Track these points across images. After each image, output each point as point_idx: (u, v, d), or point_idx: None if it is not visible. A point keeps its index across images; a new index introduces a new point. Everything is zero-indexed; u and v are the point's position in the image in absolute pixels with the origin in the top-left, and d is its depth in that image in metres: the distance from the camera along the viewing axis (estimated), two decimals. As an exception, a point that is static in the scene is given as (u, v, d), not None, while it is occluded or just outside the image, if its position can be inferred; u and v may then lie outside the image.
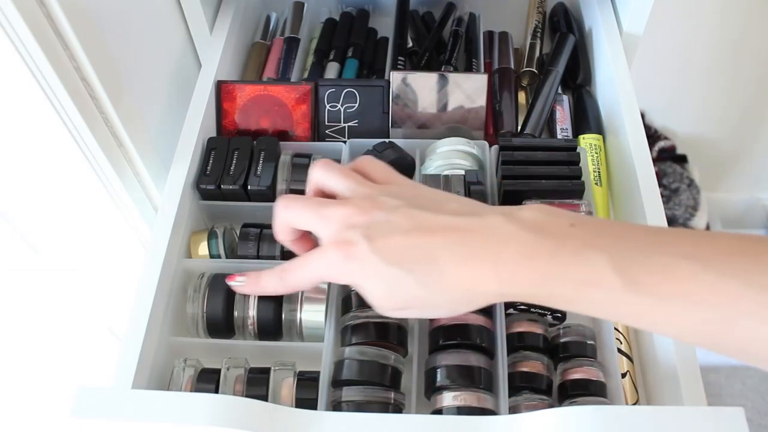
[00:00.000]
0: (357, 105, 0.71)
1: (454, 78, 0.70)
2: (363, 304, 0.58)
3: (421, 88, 0.70)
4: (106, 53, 0.57)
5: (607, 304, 0.37)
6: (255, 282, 0.52)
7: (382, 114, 0.71)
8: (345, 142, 0.70)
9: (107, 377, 0.56)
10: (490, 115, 0.76)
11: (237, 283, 0.54)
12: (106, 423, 0.46)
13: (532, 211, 0.41)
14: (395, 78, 0.69)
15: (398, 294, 0.41)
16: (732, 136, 1.57)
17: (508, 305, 0.60)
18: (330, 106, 0.71)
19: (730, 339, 0.35)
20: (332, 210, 0.44)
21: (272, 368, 0.56)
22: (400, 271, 0.40)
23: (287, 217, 0.48)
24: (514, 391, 0.56)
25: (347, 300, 0.59)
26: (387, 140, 0.67)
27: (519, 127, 0.75)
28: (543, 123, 0.74)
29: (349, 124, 0.72)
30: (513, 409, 0.54)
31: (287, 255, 0.63)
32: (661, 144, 1.53)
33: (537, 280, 0.38)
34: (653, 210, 0.61)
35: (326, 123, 0.72)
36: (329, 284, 0.60)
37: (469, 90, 0.70)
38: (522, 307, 0.60)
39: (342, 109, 0.72)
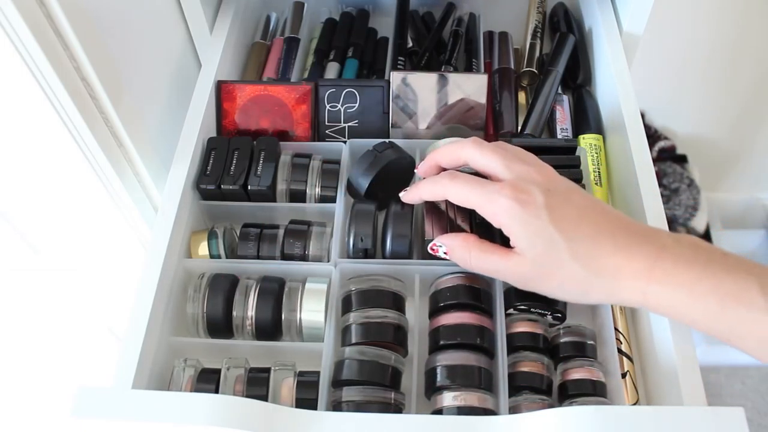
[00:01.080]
0: (357, 105, 0.71)
1: (454, 78, 0.70)
2: (363, 304, 0.58)
3: (421, 88, 0.70)
4: (106, 53, 0.57)
5: (748, 321, 0.40)
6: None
7: (382, 114, 0.71)
8: (345, 142, 0.70)
9: (107, 377, 0.56)
10: (490, 115, 0.76)
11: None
12: (106, 423, 0.46)
13: (688, 236, 0.44)
14: (395, 78, 0.69)
15: (546, 256, 0.44)
16: (732, 136, 1.57)
17: (508, 305, 0.60)
18: (330, 106, 0.71)
19: None
20: (499, 188, 0.47)
21: (272, 368, 0.56)
22: (561, 235, 0.43)
23: (452, 192, 0.50)
24: (514, 391, 0.56)
25: (347, 300, 0.59)
26: (387, 140, 0.67)
27: (519, 127, 0.75)
28: (543, 123, 0.74)
29: (349, 124, 0.72)
30: (513, 409, 0.54)
31: (287, 255, 0.63)
32: (661, 144, 1.53)
33: (687, 286, 0.41)
34: (653, 210, 0.61)
35: (326, 123, 0.72)
36: (329, 284, 0.60)
37: (469, 90, 0.70)
38: (522, 307, 0.60)
39: (342, 109, 0.72)
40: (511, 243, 0.47)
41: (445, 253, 0.55)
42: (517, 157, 0.49)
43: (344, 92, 0.71)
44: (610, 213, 0.45)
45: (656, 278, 0.42)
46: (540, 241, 0.44)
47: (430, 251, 0.56)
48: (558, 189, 0.46)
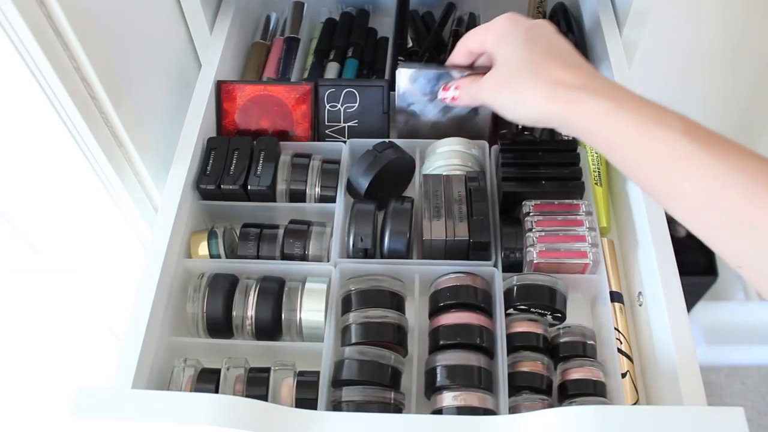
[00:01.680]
0: (357, 105, 0.71)
1: (458, 77, 0.70)
2: (363, 303, 0.58)
3: (424, 85, 0.70)
4: (106, 53, 0.57)
5: (664, 140, 0.43)
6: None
7: (382, 114, 0.71)
8: (345, 142, 0.70)
9: (107, 377, 0.56)
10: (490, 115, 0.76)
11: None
12: (106, 423, 0.46)
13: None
14: (402, 74, 0.68)
15: (513, 67, 0.52)
16: (732, 136, 1.56)
17: (508, 305, 0.60)
18: (330, 106, 0.71)
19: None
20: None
21: (272, 368, 0.56)
22: (528, 53, 0.51)
23: (462, 43, 0.59)
24: (514, 391, 0.56)
25: (347, 300, 0.59)
26: (387, 140, 0.67)
27: (520, 127, 0.75)
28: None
29: (349, 124, 0.72)
30: (513, 409, 0.54)
31: (287, 255, 0.63)
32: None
33: (616, 100, 0.46)
34: (653, 209, 0.61)
35: (326, 123, 0.72)
36: (329, 284, 0.60)
37: None
38: (522, 306, 0.60)
39: (342, 109, 0.72)
40: (495, 63, 0.54)
41: (456, 89, 0.60)
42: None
43: (344, 92, 0.71)
44: (573, 52, 0.52)
45: (591, 88, 0.46)
46: (512, 53, 0.52)
47: (441, 93, 0.63)
48: (541, 25, 0.53)
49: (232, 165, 0.66)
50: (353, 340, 0.56)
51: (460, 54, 0.60)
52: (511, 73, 0.52)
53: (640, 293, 0.62)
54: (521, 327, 0.59)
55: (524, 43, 0.51)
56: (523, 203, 0.64)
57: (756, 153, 0.40)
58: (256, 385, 0.55)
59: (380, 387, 0.53)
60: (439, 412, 0.54)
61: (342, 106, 0.71)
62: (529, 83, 0.49)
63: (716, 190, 0.39)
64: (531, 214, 0.63)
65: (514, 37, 0.52)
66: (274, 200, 0.67)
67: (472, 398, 0.53)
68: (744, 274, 0.40)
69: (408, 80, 0.66)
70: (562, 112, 0.47)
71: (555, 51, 0.51)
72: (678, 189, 0.42)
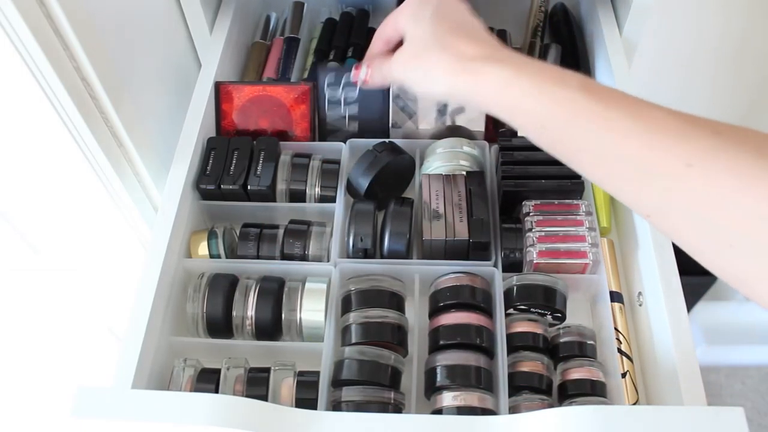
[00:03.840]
0: (358, 91, 0.71)
1: None
2: (363, 303, 0.58)
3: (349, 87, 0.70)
4: (106, 53, 0.57)
5: (562, 99, 0.43)
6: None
7: (383, 99, 0.70)
8: (345, 142, 0.70)
9: (107, 377, 0.56)
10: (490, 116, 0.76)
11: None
12: (106, 423, 0.46)
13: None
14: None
15: (421, 41, 0.52)
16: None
17: (508, 305, 0.60)
18: (329, 91, 0.71)
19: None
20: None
21: (272, 368, 0.56)
22: (437, 28, 0.51)
23: (377, 33, 0.58)
24: (514, 391, 0.56)
25: (347, 300, 0.59)
26: (387, 140, 0.67)
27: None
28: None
29: (350, 109, 0.70)
30: (513, 409, 0.54)
31: (287, 255, 0.63)
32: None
33: (516, 66, 0.46)
34: (653, 210, 0.61)
35: (326, 110, 0.71)
36: (329, 284, 0.60)
37: None
38: (522, 306, 0.60)
39: (342, 96, 0.71)
40: (405, 40, 0.54)
41: (367, 67, 0.59)
42: None
43: (345, 76, 0.71)
44: (481, 27, 0.52)
45: (495, 58, 0.47)
46: (420, 29, 0.52)
47: (353, 74, 0.60)
48: (450, 2, 0.53)
49: (232, 165, 0.66)
50: (353, 340, 0.56)
51: (377, 45, 0.59)
52: (419, 48, 0.52)
53: (640, 293, 0.62)
54: (521, 327, 0.59)
55: (432, 19, 0.52)
56: (523, 203, 0.64)
57: (653, 103, 0.41)
58: (256, 385, 0.55)
59: (380, 387, 0.53)
60: (439, 412, 0.54)
61: (342, 90, 0.70)
62: (435, 57, 0.50)
63: (615, 141, 0.40)
64: (531, 214, 0.63)
65: (423, 14, 0.52)
66: (274, 200, 0.67)
67: (472, 398, 0.53)
68: (653, 222, 0.40)
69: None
70: (468, 85, 0.48)
71: (463, 26, 0.51)
72: (579, 144, 0.43)
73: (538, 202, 0.63)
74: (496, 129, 0.76)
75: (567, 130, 0.43)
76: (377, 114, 0.71)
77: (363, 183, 0.64)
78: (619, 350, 0.59)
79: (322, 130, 0.73)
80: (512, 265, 0.63)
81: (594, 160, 0.42)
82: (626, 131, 0.40)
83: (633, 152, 0.39)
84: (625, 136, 0.40)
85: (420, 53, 0.52)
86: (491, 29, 0.85)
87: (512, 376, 0.56)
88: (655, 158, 0.38)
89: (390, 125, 0.72)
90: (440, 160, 0.67)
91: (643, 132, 0.39)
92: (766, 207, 0.33)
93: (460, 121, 0.71)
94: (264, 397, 0.55)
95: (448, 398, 0.53)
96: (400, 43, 0.55)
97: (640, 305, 0.61)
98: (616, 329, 0.61)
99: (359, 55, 0.82)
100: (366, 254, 0.62)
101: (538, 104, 0.44)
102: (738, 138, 0.37)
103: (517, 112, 0.46)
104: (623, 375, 0.59)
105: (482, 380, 0.54)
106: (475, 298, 0.58)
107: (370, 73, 0.59)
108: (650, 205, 0.40)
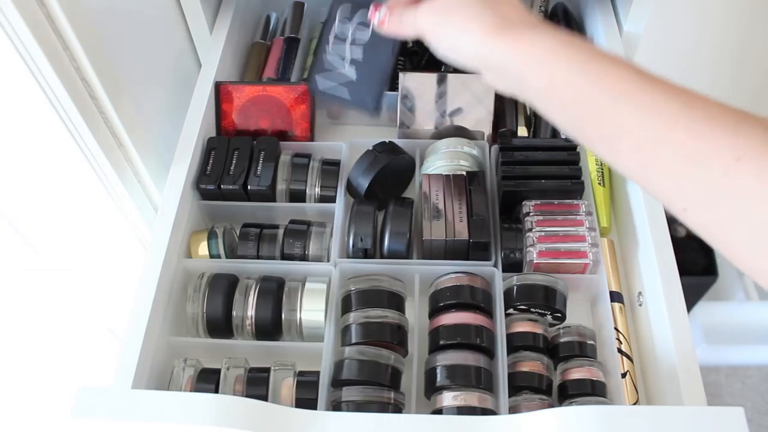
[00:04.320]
0: (369, 34, 0.62)
1: (462, 78, 0.70)
2: (363, 303, 0.58)
3: (428, 88, 0.69)
4: (106, 53, 0.57)
5: (610, 73, 0.41)
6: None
7: (392, 49, 0.62)
8: (344, 143, 0.70)
9: (107, 377, 0.56)
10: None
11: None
12: (106, 423, 0.46)
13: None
14: (405, 79, 0.67)
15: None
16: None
17: (508, 305, 0.60)
18: (340, 25, 0.64)
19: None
20: None
21: (272, 368, 0.56)
22: None
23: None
24: (514, 391, 0.56)
25: (347, 300, 0.59)
26: (387, 140, 0.67)
27: (530, 133, 0.74)
28: (552, 126, 0.74)
29: (353, 54, 0.65)
30: (513, 409, 0.54)
31: (287, 255, 0.63)
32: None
33: (561, 39, 0.43)
34: (653, 209, 0.61)
35: (330, 42, 0.64)
36: (329, 284, 0.60)
37: (476, 90, 0.70)
38: (522, 306, 0.60)
39: (351, 33, 0.63)
40: None
41: (388, 8, 0.53)
42: None
43: (360, 12, 0.63)
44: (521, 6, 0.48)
45: (539, 27, 0.44)
46: None
47: (371, 13, 0.55)
48: None
49: (232, 165, 0.66)
50: (353, 340, 0.56)
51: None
52: (454, 1, 0.47)
53: (640, 293, 0.62)
54: (521, 327, 0.59)
55: None
56: (523, 203, 0.64)
57: (702, 94, 0.39)
58: (256, 385, 0.55)
59: (380, 387, 0.53)
60: (439, 412, 0.54)
61: (353, 29, 0.63)
62: (474, 13, 0.45)
63: (661, 126, 0.38)
64: (531, 214, 0.63)
65: None
66: (274, 200, 0.67)
67: (471, 398, 0.53)
68: (688, 217, 0.38)
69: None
70: (506, 50, 0.44)
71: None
72: (620, 126, 0.40)
73: (538, 202, 0.63)
74: (496, 128, 0.76)
75: (609, 109, 0.40)
76: (378, 67, 0.64)
77: (363, 183, 0.64)
78: (619, 350, 0.59)
79: (315, 63, 0.64)
80: (512, 265, 0.63)
81: (633, 146, 0.39)
82: (674, 118, 0.37)
83: (679, 140, 0.37)
84: (673, 123, 0.37)
85: (456, 6, 0.47)
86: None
87: (512, 376, 0.56)
88: (703, 149, 0.36)
89: (397, 125, 0.71)
90: (440, 160, 0.67)
91: (692, 121, 0.37)
92: None
93: (464, 122, 0.71)
94: (264, 397, 0.55)
95: (448, 398, 0.53)
96: None
97: (640, 305, 0.61)
98: (616, 329, 0.61)
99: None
100: (366, 254, 0.62)
101: (581, 78, 0.41)
102: None
103: (554, 87, 0.42)
104: (623, 375, 0.59)
105: (482, 380, 0.54)
106: (475, 298, 0.58)
107: (389, 18, 0.53)
108: (689, 197, 0.37)
